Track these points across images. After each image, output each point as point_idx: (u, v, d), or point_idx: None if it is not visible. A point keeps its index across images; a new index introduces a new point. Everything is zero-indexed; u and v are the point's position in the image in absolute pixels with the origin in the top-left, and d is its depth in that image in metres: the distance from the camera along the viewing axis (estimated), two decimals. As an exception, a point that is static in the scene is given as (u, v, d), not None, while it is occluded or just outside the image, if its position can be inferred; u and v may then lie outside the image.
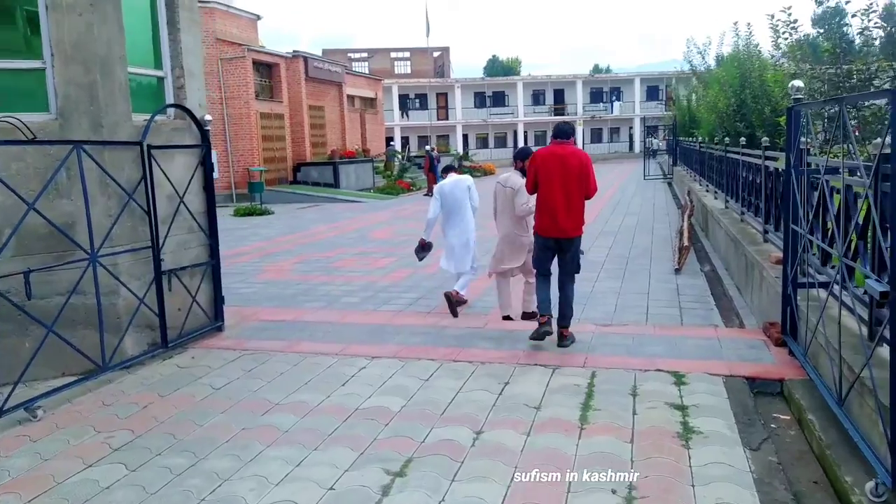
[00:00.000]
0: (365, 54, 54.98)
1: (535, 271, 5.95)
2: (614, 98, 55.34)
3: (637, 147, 52.01)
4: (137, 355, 5.40)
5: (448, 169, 8.16)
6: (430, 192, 24.61)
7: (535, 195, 5.65)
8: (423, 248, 7.83)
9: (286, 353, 5.65)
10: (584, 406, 4.27)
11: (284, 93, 25.97)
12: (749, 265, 7.39)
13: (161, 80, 5.89)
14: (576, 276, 5.72)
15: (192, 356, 5.62)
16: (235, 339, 6.10)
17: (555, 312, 5.68)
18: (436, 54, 57.42)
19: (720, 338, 5.71)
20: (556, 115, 54.33)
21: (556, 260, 5.70)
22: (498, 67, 77.65)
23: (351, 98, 33.79)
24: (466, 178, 7.65)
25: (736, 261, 8.56)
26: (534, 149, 6.34)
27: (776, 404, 4.48)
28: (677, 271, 9.39)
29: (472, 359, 5.33)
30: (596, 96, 55.91)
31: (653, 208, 17.45)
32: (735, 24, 15.47)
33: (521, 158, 6.58)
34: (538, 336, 5.53)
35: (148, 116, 5.48)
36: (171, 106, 5.74)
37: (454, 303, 7.01)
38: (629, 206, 17.85)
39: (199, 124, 5.98)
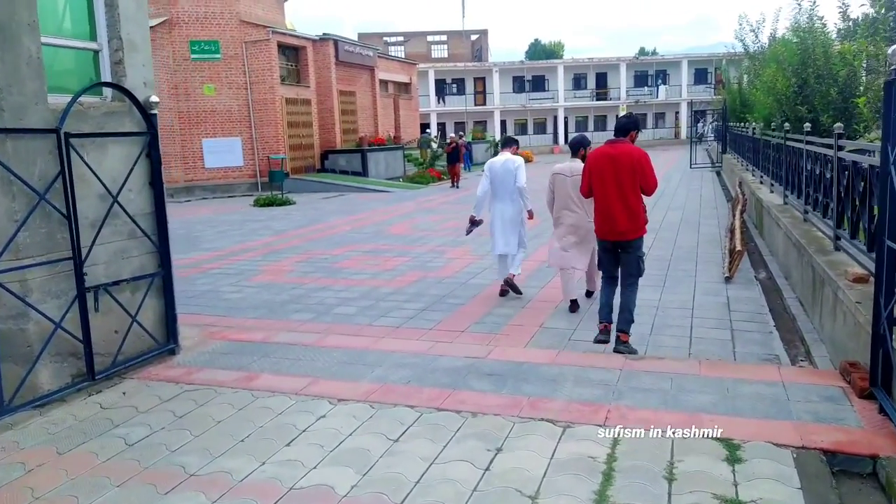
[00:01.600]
0: (401, 38, 53.79)
1: (599, 275, 6.10)
2: (660, 82, 52.98)
3: (684, 133, 49.73)
4: (56, 390, 4.41)
5: (509, 143, 8.03)
6: (454, 184, 23.48)
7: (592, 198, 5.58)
8: (472, 224, 8.03)
9: (237, 389, 4.59)
10: (600, 498, 3.09)
11: (312, 77, 25.03)
12: (817, 280, 6.04)
13: (96, 53, 4.85)
14: (637, 280, 5.51)
15: (123, 391, 4.61)
16: (185, 368, 5.08)
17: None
18: (473, 38, 55.85)
19: (785, 382, 4.43)
20: (597, 99, 52.36)
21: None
22: (540, 52, 75.54)
23: (384, 83, 32.72)
24: (517, 158, 7.59)
25: (799, 271, 7.18)
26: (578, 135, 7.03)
27: (869, 495, 3.23)
28: (728, 280, 8.04)
29: (462, 407, 4.18)
30: (640, 80, 53.64)
31: (699, 201, 15.94)
32: (797, -8, 13.71)
33: (583, 146, 6.96)
34: (597, 342, 5.46)
35: (87, 99, 4.46)
36: (102, 85, 4.71)
37: (514, 286, 7.49)
38: (673, 199, 16.36)
39: (143, 107, 4.93)
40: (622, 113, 51.34)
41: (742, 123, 20.99)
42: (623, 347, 5.30)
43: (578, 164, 6.67)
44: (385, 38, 52.90)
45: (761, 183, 13.20)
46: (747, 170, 16.47)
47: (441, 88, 51.41)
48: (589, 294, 7.33)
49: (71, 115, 4.42)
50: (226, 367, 5.06)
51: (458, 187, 23.08)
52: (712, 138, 36.23)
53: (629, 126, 5.46)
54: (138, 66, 5.00)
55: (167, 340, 5.30)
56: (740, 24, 22.22)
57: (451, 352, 5.37)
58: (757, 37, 21.64)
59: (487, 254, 10.21)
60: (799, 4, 13.77)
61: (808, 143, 8.33)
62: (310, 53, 24.89)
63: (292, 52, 24.47)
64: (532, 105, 51.56)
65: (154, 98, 5.02)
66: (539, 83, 53.08)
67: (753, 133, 15.51)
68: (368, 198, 20.29)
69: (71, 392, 4.50)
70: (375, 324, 6.69)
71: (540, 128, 53.18)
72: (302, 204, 18.97)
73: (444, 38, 54.94)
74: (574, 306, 6.89)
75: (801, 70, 12.82)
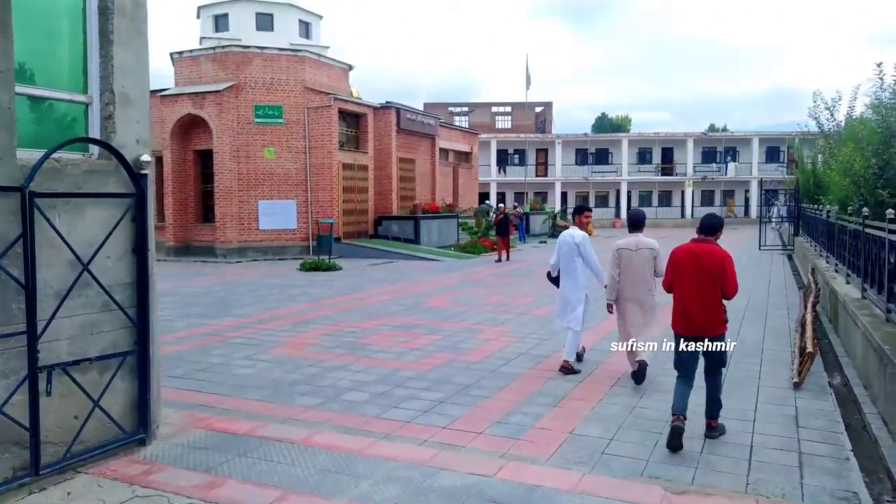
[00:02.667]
0: (466, 108, 54.56)
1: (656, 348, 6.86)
2: (729, 158, 51.56)
3: (753, 212, 47.84)
4: (-10, 485, 3.82)
5: (578, 211, 7.90)
6: (501, 257, 21.69)
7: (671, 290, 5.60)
8: (556, 281, 7.83)
9: (193, 500, 3.90)
10: None
11: (370, 143, 25.18)
12: (910, 400, 4.97)
13: (87, 106, 4.48)
14: (722, 369, 5.49)
15: (68, 490, 3.99)
16: (148, 464, 4.43)
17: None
18: (538, 110, 56.14)
19: (871, 545, 3.42)
20: (663, 174, 51.27)
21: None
22: (606, 125, 75.53)
23: (444, 151, 32.81)
24: (579, 232, 7.50)
25: (881, 381, 6.07)
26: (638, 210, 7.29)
27: None
28: (797, 386, 6.93)
29: (448, 549, 3.36)
30: (708, 156, 52.35)
31: (768, 287, 14.67)
32: (879, 65, 12.70)
33: (640, 225, 7.05)
34: (673, 440, 5.10)
35: (66, 155, 4.07)
36: (78, 141, 4.29)
37: (571, 370, 7.33)
38: (742, 284, 15.12)
39: (130, 167, 4.49)
40: (689, 188, 50.24)
41: (816, 205, 19.66)
42: (713, 433, 5.37)
43: (643, 239, 6.91)
44: (450, 108, 53.77)
45: (836, 272, 11.95)
46: (821, 255, 15.15)
47: (503, 158, 51.48)
48: (643, 368, 6.98)
49: (43, 173, 3.99)
50: (192, 467, 4.38)
51: (506, 260, 21.46)
52: (776, 219, 34.46)
53: (715, 225, 5.46)
54: (131, 123, 4.59)
55: (138, 428, 4.68)
56: (815, 102, 21.12)
57: (456, 464, 4.55)
58: (832, 115, 20.49)
59: (527, 336, 9.38)
60: (881, 79, 12.77)
61: (891, 231, 7.29)
62: (370, 120, 25.12)
63: (353, 119, 24.74)
64: (594, 178, 50.88)
65: (145, 157, 4.59)
66: (602, 156, 52.51)
67: (828, 216, 14.31)
68: (416, 266, 19.78)
69: (11, 488, 3.91)
70: (384, 416, 5.94)
71: (602, 201, 52.26)
72: (348, 270, 18.60)
73: (508, 109, 55.45)
74: (637, 376, 6.85)
75: (883, 150, 11.73)
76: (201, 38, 25.06)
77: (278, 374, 7.42)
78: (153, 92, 24.02)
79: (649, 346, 7.01)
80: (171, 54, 23.16)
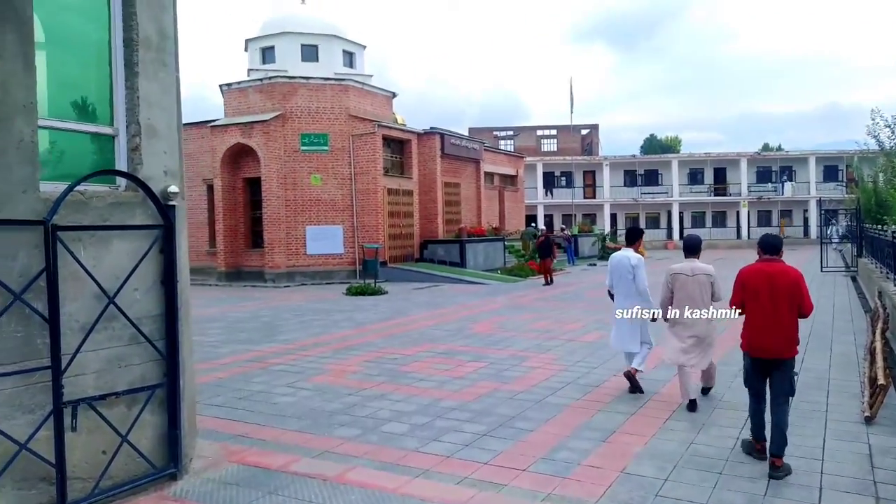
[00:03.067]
0: (511, 132, 54.43)
1: (714, 377, 6.99)
2: (785, 178, 49.90)
3: (813, 232, 46.04)
4: (13, 524, 3.71)
5: (632, 234, 7.81)
6: (546, 281, 20.98)
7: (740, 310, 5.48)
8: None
9: (216, 542, 3.70)
10: None
11: (415, 169, 25.21)
12: None
13: (114, 138, 4.42)
14: (790, 398, 5.29)
15: (90, 530, 3.86)
16: (176, 501, 4.27)
17: None
18: (584, 132, 55.61)
19: None
20: (716, 195, 49.94)
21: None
22: (656, 147, 74.37)
23: (490, 175, 32.66)
24: (635, 255, 7.42)
25: (971, 419, 5.50)
26: (695, 236, 7.14)
27: None
28: (868, 420, 6.37)
29: None
30: (763, 176, 50.78)
31: (832, 311, 13.86)
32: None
33: (697, 250, 6.96)
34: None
35: (91, 188, 4.01)
36: (103, 173, 4.22)
37: (635, 381, 7.32)
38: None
39: (157, 198, 4.41)
40: (744, 209, 48.72)
41: (879, 225, 18.66)
42: (777, 473, 5.01)
43: (699, 264, 6.84)
44: (495, 133, 53.74)
45: (908, 294, 11.16)
46: (887, 278, 14.26)
47: (549, 181, 51.03)
48: (706, 391, 7.16)
49: (67, 206, 3.92)
50: (219, 506, 4.20)
51: (551, 283, 20.81)
52: (837, 240, 33.01)
53: (779, 245, 5.46)
54: (158, 154, 4.52)
55: (168, 463, 4.54)
56: (873, 120, 20.21)
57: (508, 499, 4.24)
58: (893, 132, 19.54)
59: (575, 364, 9.00)
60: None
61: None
62: (414, 146, 25.18)
63: (397, 145, 24.84)
64: (644, 199, 49.91)
65: (173, 188, 4.49)
66: (652, 177, 51.53)
67: (893, 237, 13.48)
68: (461, 290, 19.52)
69: (35, 525, 3.79)
70: (423, 450, 5.67)
71: (653, 222, 51.16)
72: (393, 294, 18.47)
73: (553, 132, 55.07)
74: (693, 405, 6.75)
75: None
76: (249, 70, 25.67)
77: (318, 402, 7.24)
78: (204, 123, 24.70)
79: (696, 376, 6.99)
80: (220, 86, 23.76)
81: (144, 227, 4.40)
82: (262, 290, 20.47)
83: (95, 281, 4.04)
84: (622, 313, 7.44)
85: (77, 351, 3.97)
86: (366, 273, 19.87)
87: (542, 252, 21.58)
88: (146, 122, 4.45)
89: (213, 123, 23.54)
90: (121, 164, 4.42)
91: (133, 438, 4.29)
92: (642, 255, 7.63)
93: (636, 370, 7.42)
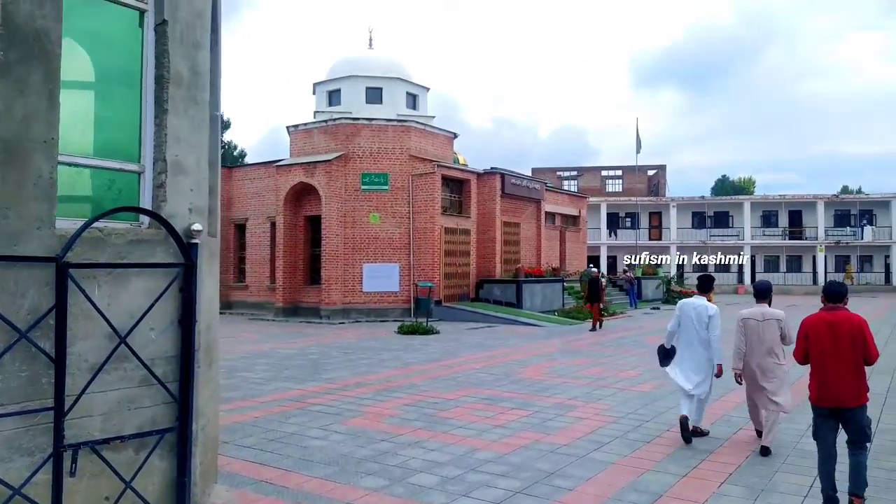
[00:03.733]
0: (574, 172, 53.88)
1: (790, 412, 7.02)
2: (865, 222, 47.27)
3: (896, 279, 43.28)
4: (6, 573, 3.57)
5: (706, 282, 7.78)
6: (595, 326, 19.86)
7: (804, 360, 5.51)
8: (667, 356, 7.65)
9: None
10: None
11: (473, 208, 25.09)
12: None
13: (139, 175, 4.39)
14: (867, 444, 5.21)
15: (84, 582, 3.68)
16: (177, 553, 4.07)
17: None
18: (650, 173, 54.47)
19: None
20: (790, 238, 47.75)
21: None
22: (728, 188, 72.06)
23: (551, 215, 32.25)
24: (712, 306, 7.33)
25: None
26: (766, 282, 7.26)
27: None
28: (957, 497, 5.62)
29: None
30: (842, 219, 48.29)
31: (915, 366, 12.70)
32: None
33: (767, 295, 7.07)
34: None
35: (110, 224, 3.98)
36: (118, 210, 4.15)
37: (689, 430, 7.17)
38: (881, 361, 13.22)
39: (179, 236, 4.32)
40: (821, 253, 46.28)
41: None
42: None
43: (768, 309, 6.95)
44: (559, 173, 53.31)
45: None
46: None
47: (614, 221, 50.04)
48: (766, 452, 6.82)
49: (84, 243, 3.86)
50: (220, 562, 3.97)
51: (597, 329, 19.67)
52: None
53: (843, 292, 5.41)
54: (184, 191, 4.45)
55: (177, 510, 4.34)
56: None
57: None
58: None
59: (625, 416, 8.45)
60: None
61: None
62: (473, 186, 25.12)
63: (456, 185, 24.83)
64: (714, 241, 48.17)
65: (196, 226, 4.40)
66: (722, 219, 49.82)
67: None
68: (515, 331, 19.03)
69: (32, 573, 3.64)
70: (449, 508, 5.31)
71: (723, 266, 49.27)
72: (445, 334, 18.18)
73: (619, 172, 54.21)
74: (766, 451, 6.75)
75: None
76: (315, 112, 26.36)
77: (349, 448, 6.98)
78: (270, 163, 25.42)
79: (774, 429, 6.90)
80: (287, 128, 24.44)
81: (164, 265, 4.30)
82: (316, 327, 20.55)
83: (107, 320, 3.94)
84: (690, 358, 7.38)
85: (82, 392, 3.85)
86: (418, 312, 19.70)
87: (590, 295, 20.67)
88: (173, 159, 4.40)
89: (278, 163, 24.17)
90: (145, 201, 4.37)
91: (139, 485, 4.12)
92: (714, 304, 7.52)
93: (695, 427, 7.36)
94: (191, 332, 4.43)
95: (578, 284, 28.69)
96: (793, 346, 5.96)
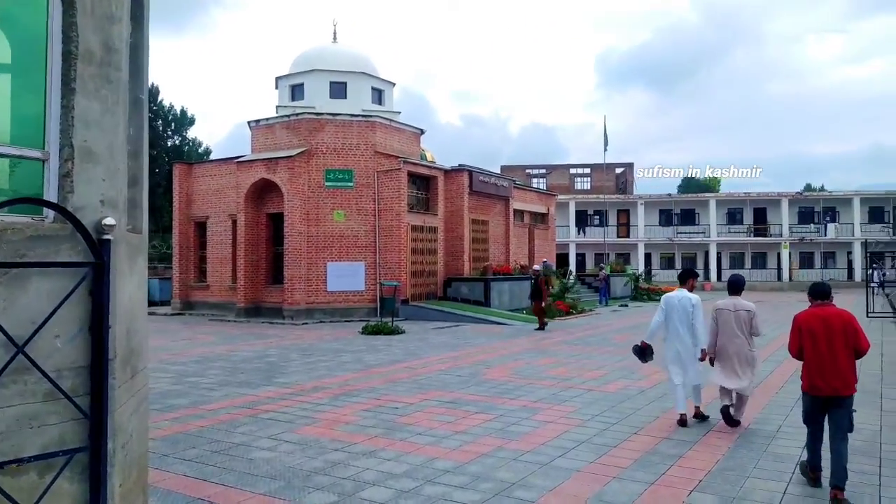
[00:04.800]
0: (543, 170, 53.84)
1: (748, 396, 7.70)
2: (828, 219, 48.10)
3: (858, 275, 44.04)
4: None
5: (687, 275, 8.23)
6: (541, 326, 18.76)
7: (795, 352, 5.88)
8: (643, 353, 8.09)
9: None
10: None
11: (440, 205, 24.71)
12: None
13: (44, 163, 3.89)
14: (848, 433, 5.54)
15: None
16: (85, 590, 3.60)
17: None
18: (618, 171, 54.72)
19: None
20: (755, 235, 48.36)
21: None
22: (693, 187, 72.73)
23: (519, 212, 32.03)
24: (694, 297, 7.88)
25: None
26: (739, 276, 7.99)
27: None
28: (932, 502, 5.41)
29: None
30: (805, 217, 49.06)
31: (880, 362, 12.68)
32: None
33: (739, 289, 7.67)
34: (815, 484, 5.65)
35: (7, 218, 3.47)
36: (17, 202, 3.66)
37: (701, 416, 7.91)
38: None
39: (87, 231, 3.84)
40: (785, 250, 46.91)
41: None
42: None
43: (741, 301, 7.58)
44: (528, 171, 53.22)
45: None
46: (946, 327, 13.03)
47: (582, 219, 50.13)
48: (736, 423, 7.61)
49: (-39, 238, 3.36)
50: None
51: (541, 329, 18.55)
52: (876, 283, 31.30)
53: (829, 290, 5.84)
54: (95, 181, 3.96)
55: (88, 539, 3.86)
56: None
57: None
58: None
59: (592, 419, 8.14)
60: None
61: None
62: (440, 183, 24.74)
63: (423, 182, 24.42)
64: (680, 239, 48.56)
65: (108, 220, 3.91)
66: (689, 217, 50.24)
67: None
68: (482, 330, 18.70)
69: None
70: (401, 525, 4.90)
71: (689, 263, 49.63)
72: (411, 334, 17.76)
73: (587, 170, 54.33)
74: (731, 420, 7.57)
75: None
76: (277, 107, 25.71)
77: (298, 459, 6.53)
78: (231, 159, 24.70)
79: (743, 407, 7.70)
80: (248, 123, 23.76)
81: (70, 264, 3.82)
82: (278, 328, 19.97)
83: (0, 327, 3.45)
84: (681, 349, 7.85)
85: (-29, 409, 3.36)
86: (383, 311, 19.26)
87: (533, 293, 19.50)
88: (81, 145, 3.90)
89: (239, 159, 23.49)
90: (50, 192, 3.86)
91: (43, 512, 3.63)
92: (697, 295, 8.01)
93: (698, 406, 8.03)
94: (104, 338, 3.96)
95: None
96: (761, 336, 7.28)
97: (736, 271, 44.28)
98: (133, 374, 4.61)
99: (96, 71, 4.00)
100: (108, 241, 3.96)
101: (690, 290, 8.02)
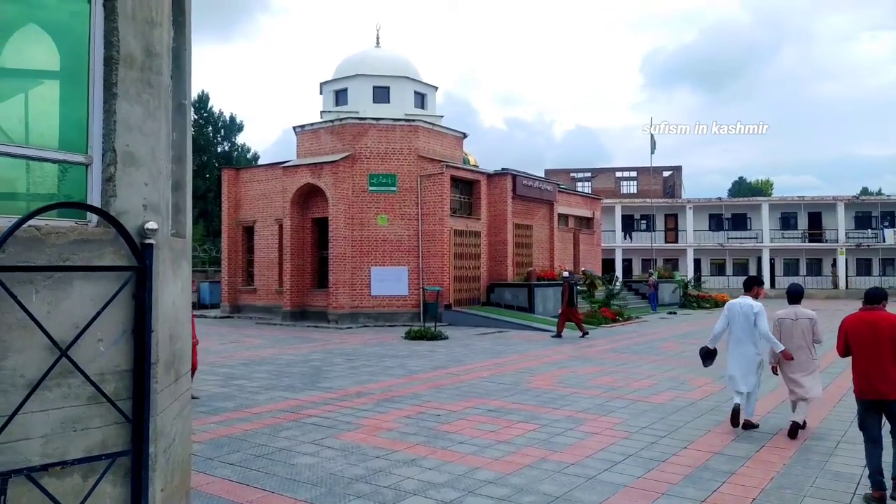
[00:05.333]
0: (588, 174, 53.15)
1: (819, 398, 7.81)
2: (886, 224, 46.15)
3: (920, 282, 42.13)
4: None
5: (752, 283, 8.21)
6: (558, 333, 18.18)
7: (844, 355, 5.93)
8: (709, 356, 8.17)
9: None
10: None
11: (483, 210, 24.57)
12: None
13: (87, 167, 3.92)
14: None
15: None
16: None
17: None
18: (666, 174, 53.62)
19: None
20: (810, 240, 46.73)
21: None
22: (745, 190, 70.97)
23: (564, 217, 31.64)
24: (757, 303, 7.85)
25: None
26: (798, 285, 8.13)
27: None
28: None
29: None
30: (862, 222, 47.21)
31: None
32: None
33: (799, 297, 7.84)
34: None
35: (52, 222, 3.52)
36: (62, 206, 3.69)
37: (739, 419, 7.82)
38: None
39: (130, 235, 3.85)
40: (841, 257, 45.21)
41: None
42: None
43: (802, 309, 7.72)
44: (572, 174, 52.62)
45: None
46: None
47: (629, 224, 49.26)
48: (800, 427, 7.59)
49: (17, 243, 3.40)
50: None
51: (558, 337, 18.03)
52: None
53: (881, 295, 5.81)
54: (137, 185, 3.97)
55: (130, 544, 3.86)
56: None
57: None
58: None
59: (639, 430, 7.88)
60: None
61: None
62: (483, 187, 24.61)
63: (466, 186, 24.33)
64: (731, 244, 47.24)
65: (151, 225, 3.91)
66: (740, 221, 48.86)
67: None
68: (526, 337, 18.47)
69: None
70: (442, 536, 4.79)
71: (740, 269, 48.27)
72: (454, 339, 17.65)
73: (633, 174, 53.42)
74: (795, 431, 7.48)
75: None
76: (321, 112, 25.99)
77: (340, 466, 6.48)
78: (277, 164, 25.07)
79: (805, 409, 7.72)
80: (293, 128, 24.08)
81: (114, 268, 3.83)
82: (322, 332, 20.11)
83: (44, 330, 3.47)
84: (741, 356, 7.85)
85: (15, 412, 3.38)
86: (426, 316, 19.19)
87: (568, 301, 18.67)
88: (124, 150, 3.92)
89: (284, 164, 23.81)
90: (93, 197, 3.89)
91: (85, 516, 3.65)
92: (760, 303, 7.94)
93: (749, 420, 7.89)
94: (147, 342, 3.96)
95: (586, 288, 28.11)
96: (822, 343, 7.67)
97: (790, 278, 42.97)
98: (176, 377, 4.62)
99: (138, 75, 4.02)
100: (151, 245, 3.96)
101: (756, 297, 7.99)
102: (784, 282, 42.25)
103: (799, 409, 7.69)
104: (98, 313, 3.71)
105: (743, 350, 7.82)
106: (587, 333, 18.37)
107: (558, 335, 18.23)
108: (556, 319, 18.87)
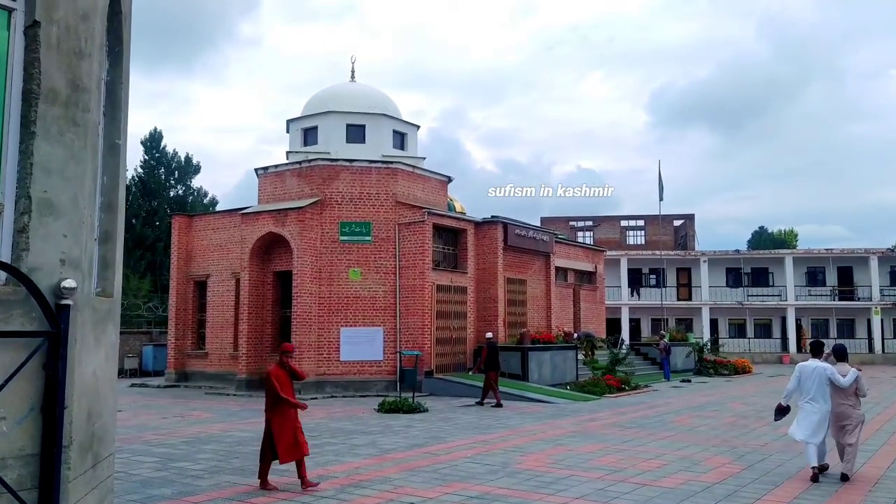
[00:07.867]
0: (590, 223, 53.72)
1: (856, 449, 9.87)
2: (925, 279, 46.77)
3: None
4: None
5: (819, 347, 10.40)
6: (498, 402, 18.69)
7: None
8: (781, 412, 10.37)
9: None
10: None
11: (470, 262, 24.65)
12: None
13: (-2, 216, 3.88)
14: None
15: None
16: None
17: None
18: (677, 223, 54.32)
19: None
20: (841, 298, 47.14)
21: None
22: (766, 241, 71.89)
23: (562, 271, 31.81)
24: (827, 365, 9.87)
25: None
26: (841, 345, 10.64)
27: None
28: None
29: None
30: (899, 277, 47.82)
31: None
32: None
33: (844, 356, 10.18)
34: None
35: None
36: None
37: (823, 469, 9.88)
38: None
39: (43, 296, 3.79)
40: (876, 316, 45.58)
41: None
42: None
43: (846, 367, 9.82)
44: (572, 223, 53.15)
45: None
46: None
47: (636, 279, 49.54)
48: (846, 477, 9.67)
49: None
50: None
51: (482, 404, 18.84)
52: None
53: None
54: (55, 237, 3.93)
55: None
56: None
57: None
58: None
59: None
60: None
61: None
62: (470, 237, 24.75)
63: (450, 235, 24.45)
64: (752, 303, 47.53)
65: (69, 283, 3.87)
66: (761, 277, 49.31)
67: None
68: (519, 409, 18.25)
69: None
70: None
71: (763, 330, 48.48)
72: (434, 412, 17.40)
73: (640, 222, 54.04)
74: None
75: None
76: (287, 153, 26.22)
77: (292, 567, 6.26)
78: (235, 210, 25.11)
79: (853, 460, 9.79)
80: (255, 170, 24.23)
81: (21, 333, 3.76)
82: (284, 403, 19.73)
83: (-69, 408, 3.37)
84: (813, 412, 9.71)
85: None
86: (403, 385, 18.98)
87: (486, 363, 19.25)
88: (40, 196, 3.90)
89: (243, 211, 23.87)
90: (2, 250, 3.85)
91: None
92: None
93: (821, 467, 9.84)
94: (59, 421, 3.85)
95: (584, 353, 28.11)
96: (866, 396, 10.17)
97: (824, 340, 43.09)
98: (95, 462, 4.51)
99: (61, 112, 4.04)
100: (68, 306, 3.92)
101: (824, 360, 10.07)
102: (841, 343, 42.27)
103: (846, 456, 9.76)
104: (1, 386, 3.62)
105: (816, 407, 9.70)
106: (483, 403, 18.84)
107: (498, 404, 18.68)
108: (554, 388, 18.68)
